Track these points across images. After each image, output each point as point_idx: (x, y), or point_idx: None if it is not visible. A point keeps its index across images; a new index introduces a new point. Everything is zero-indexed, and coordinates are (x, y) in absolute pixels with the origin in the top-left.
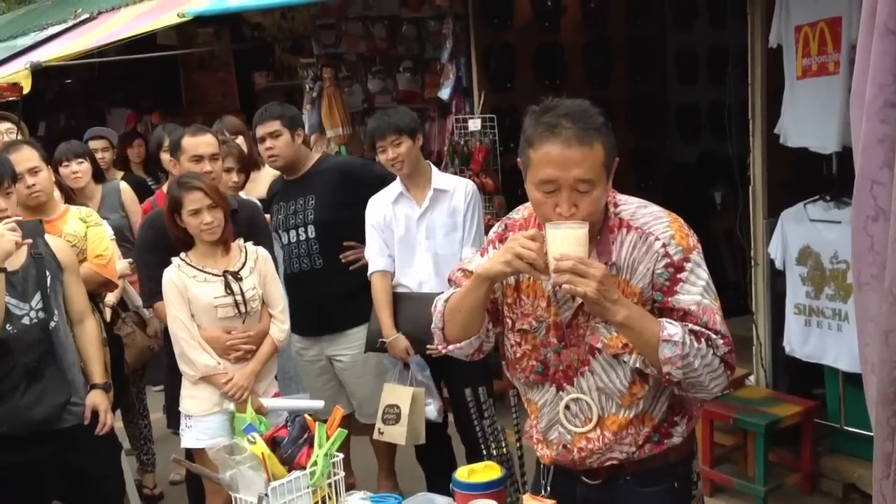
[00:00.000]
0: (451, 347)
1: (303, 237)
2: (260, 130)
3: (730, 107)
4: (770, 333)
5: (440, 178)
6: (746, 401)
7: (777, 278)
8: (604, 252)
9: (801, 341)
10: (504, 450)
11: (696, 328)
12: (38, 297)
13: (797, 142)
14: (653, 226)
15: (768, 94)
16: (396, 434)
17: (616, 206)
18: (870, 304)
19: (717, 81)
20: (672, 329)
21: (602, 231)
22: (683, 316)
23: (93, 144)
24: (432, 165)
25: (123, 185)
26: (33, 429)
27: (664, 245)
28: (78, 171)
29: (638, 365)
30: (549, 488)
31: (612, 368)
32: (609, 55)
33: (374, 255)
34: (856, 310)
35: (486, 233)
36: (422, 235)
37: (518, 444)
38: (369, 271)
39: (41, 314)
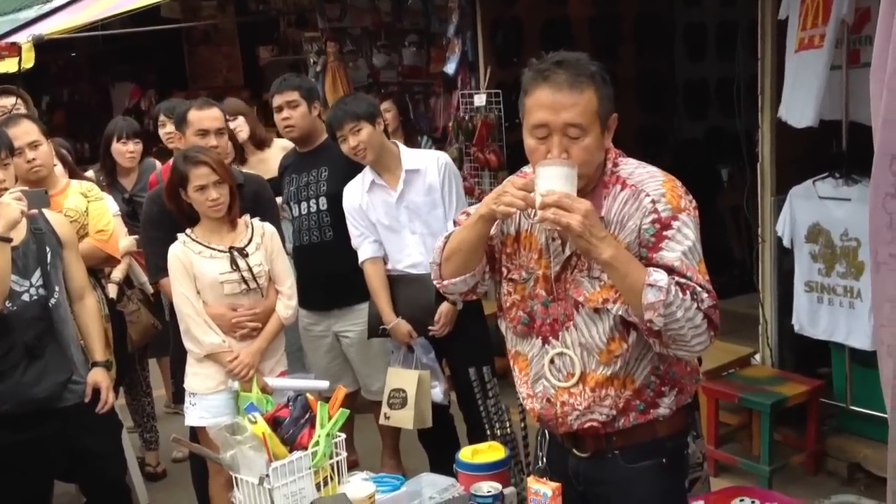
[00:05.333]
0: (445, 283)
1: (314, 209)
2: (278, 99)
3: (738, 82)
4: (776, 311)
5: (410, 158)
6: (752, 380)
7: (784, 256)
8: (595, 206)
9: (811, 319)
10: (508, 429)
11: (682, 280)
12: (38, 273)
13: (783, 114)
14: (646, 183)
15: (778, 69)
16: (403, 418)
17: (616, 165)
18: (887, 284)
19: (726, 57)
20: (658, 275)
21: (596, 186)
22: (669, 272)
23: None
24: (400, 145)
25: (160, 165)
26: (35, 407)
27: (653, 201)
28: (134, 150)
29: (621, 313)
30: (545, 460)
31: (594, 323)
32: (617, 30)
33: (361, 243)
34: (872, 290)
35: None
36: (404, 219)
37: (522, 424)
38: (360, 259)
39: (41, 291)
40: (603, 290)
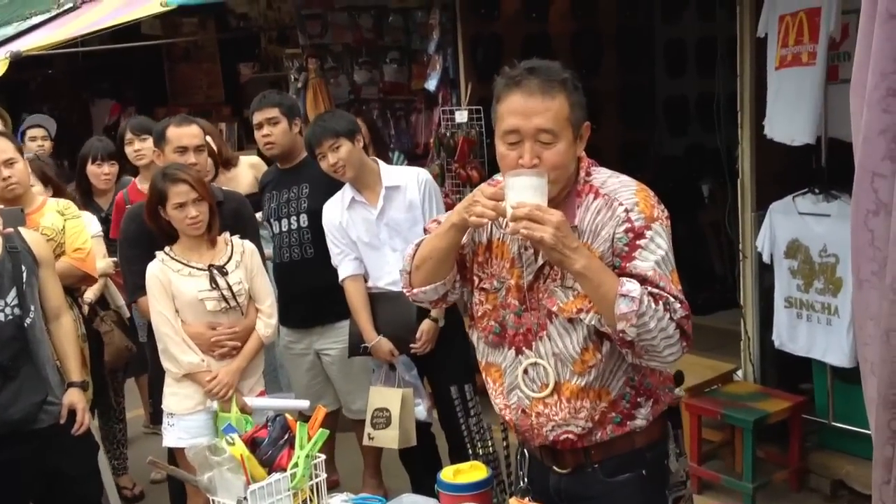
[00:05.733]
0: (415, 291)
1: (294, 226)
2: (258, 116)
3: (718, 98)
4: (758, 327)
5: (390, 175)
6: (734, 396)
7: (765, 272)
8: (567, 215)
9: (790, 335)
10: (490, 449)
11: (655, 291)
12: (13, 292)
13: (769, 132)
14: (619, 192)
15: (757, 85)
16: (388, 438)
17: (588, 174)
18: (870, 302)
19: (706, 73)
20: (630, 286)
21: (569, 195)
22: (642, 282)
23: (31, 133)
24: (380, 162)
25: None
26: (9, 429)
27: (627, 210)
28: (109, 172)
29: (594, 323)
30: (526, 479)
31: (567, 333)
32: (597, 46)
33: (341, 261)
34: (854, 307)
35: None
36: (385, 236)
37: (505, 443)
38: (340, 277)
39: (16, 310)
40: (577, 300)
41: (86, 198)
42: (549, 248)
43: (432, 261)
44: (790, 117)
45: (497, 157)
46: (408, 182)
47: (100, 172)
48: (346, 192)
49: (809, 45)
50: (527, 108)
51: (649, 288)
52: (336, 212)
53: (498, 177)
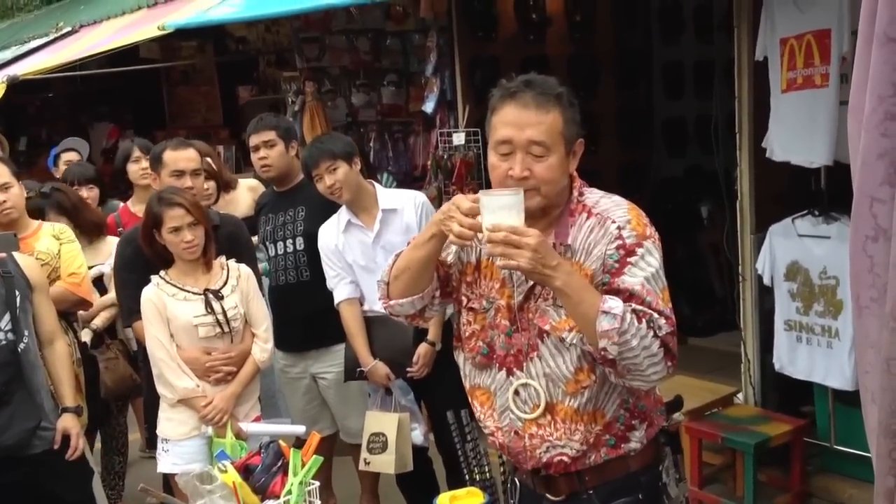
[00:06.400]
0: (392, 303)
1: (290, 249)
2: (254, 139)
3: (716, 120)
4: (758, 350)
5: (387, 198)
6: (735, 419)
7: (765, 294)
8: (561, 234)
9: (790, 358)
10: (487, 474)
11: (639, 308)
12: (7, 317)
13: (781, 156)
14: (612, 211)
15: (755, 107)
16: (384, 463)
17: (581, 194)
18: (870, 330)
19: (704, 95)
20: (613, 303)
21: (563, 213)
22: (629, 297)
23: (66, 157)
24: (376, 185)
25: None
26: (2, 454)
27: (619, 227)
28: (88, 196)
29: (575, 342)
30: None
31: (560, 353)
32: (595, 68)
33: (337, 285)
34: (855, 335)
35: None
36: (381, 259)
37: (502, 469)
38: (335, 301)
39: (10, 336)
40: (569, 319)
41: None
42: (528, 272)
43: (410, 271)
44: (801, 140)
45: (489, 168)
46: (405, 205)
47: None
48: (343, 215)
49: (822, 67)
50: (520, 119)
51: (633, 305)
52: (332, 235)
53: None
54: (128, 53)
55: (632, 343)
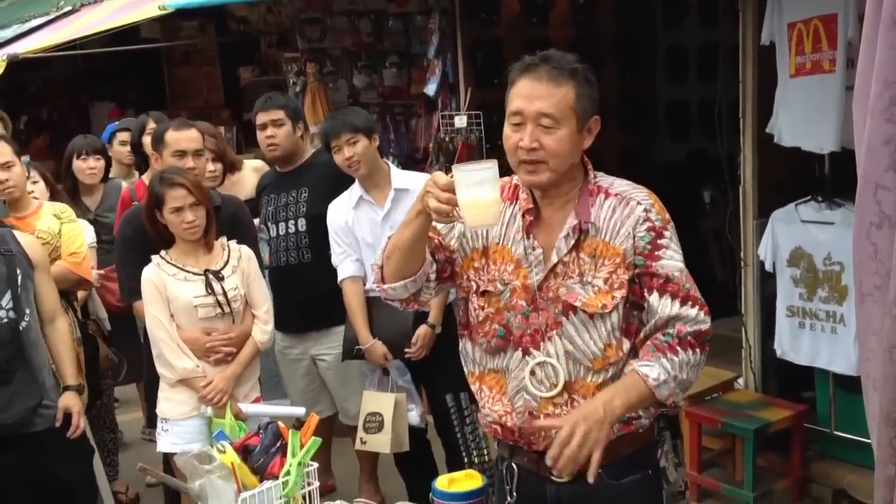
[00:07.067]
0: (385, 286)
1: (292, 230)
2: (263, 117)
3: (720, 105)
4: (759, 336)
5: (400, 178)
6: (735, 404)
7: (767, 280)
8: (582, 213)
9: (793, 344)
10: (486, 457)
11: (680, 333)
12: (8, 296)
13: (791, 141)
14: (632, 193)
15: (759, 92)
16: (380, 443)
17: (595, 176)
18: (872, 317)
19: (707, 79)
20: (650, 371)
21: (581, 193)
22: (665, 283)
23: (121, 136)
24: (390, 165)
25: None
26: (4, 433)
27: (646, 210)
28: (95, 167)
29: (613, 341)
30: (514, 493)
31: (587, 329)
32: (598, 52)
33: (342, 262)
34: (857, 322)
35: None
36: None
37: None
38: (339, 278)
39: (11, 314)
40: (599, 296)
41: (73, 197)
42: (606, 435)
43: (400, 250)
44: (810, 125)
45: (503, 138)
46: (417, 186)
47: (85, 167)
48: (354, 191)
49: (829, 52)
50: (532, 92)
51: (655, 342)
52: (342, 211)
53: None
54: (129, 33)
55: (683, 377)
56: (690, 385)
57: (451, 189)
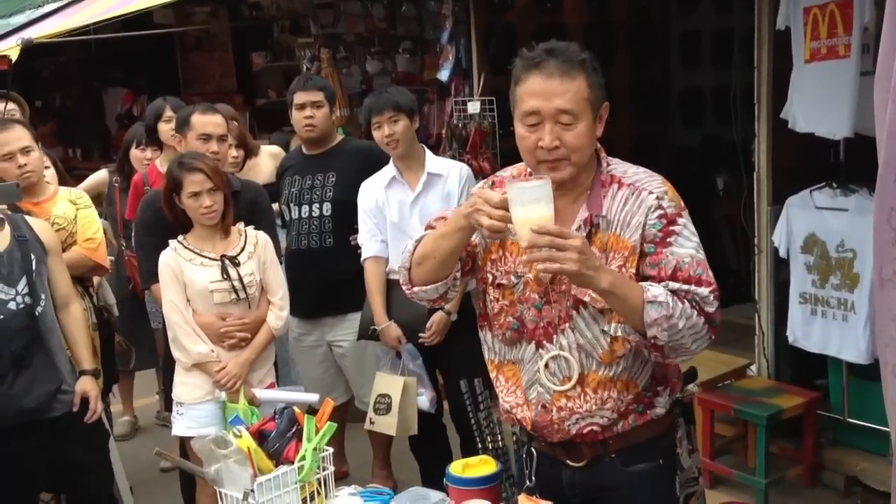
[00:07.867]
0: (415, 289)
1: (316, 213)
2: (302, 97)
3: (735, 91)
4: (773, 322)
5: (434, 163)
6: (748, 391)
7: (780, 266)
8: (595, 205)
9: (805, 331)
10: (500, 443)
11: (679, 287)
12: (23, 281)
13: (805, 127)
14: (646, 182)
15: (774, 77)
16: (387, 424)
17: (609, 164)
18: (892, 303)
19: (722, 65)
20: (655, 290)
21: (594, 185)
22: (674, 271)
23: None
24: (426, 149)
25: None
26: (24, 418)
27: (658, 198)
28: (152, 158)
29: (619, 333)
30: (533, 478)
31: (596, 323)
32: (612, 37)
33: (367, 241)
34: (877, 308)
35: None
36: (415, 221)
37: (514, 437)
38: (362, 257)
39: (27, 299)
40: None
41: (127, 181)
42: (574, 275)
43: (435, 260)
44: (825, 111)
45: (516, 140)
46: (450, 172)
47: (142, 157)
48: (388, 171)
49: (845, 38)
50: (546, 89)
51: (671, 285)
52: (375, 190)
53: (502, 172)
54: (141, 18)
55: (678, 325)
56: (680, 348)
57: (504, 206)
